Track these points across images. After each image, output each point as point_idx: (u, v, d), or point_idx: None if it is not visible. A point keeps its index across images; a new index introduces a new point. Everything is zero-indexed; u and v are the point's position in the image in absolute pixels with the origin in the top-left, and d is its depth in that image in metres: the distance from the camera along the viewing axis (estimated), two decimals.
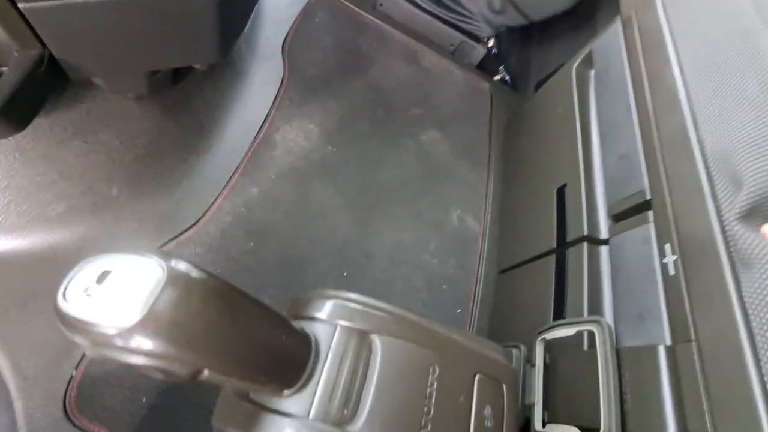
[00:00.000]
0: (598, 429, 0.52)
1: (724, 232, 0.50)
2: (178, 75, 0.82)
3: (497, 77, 1.54)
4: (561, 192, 0.93)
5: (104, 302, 0.21)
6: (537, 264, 0.92)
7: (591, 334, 0.64)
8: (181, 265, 0.23)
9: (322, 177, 1.02)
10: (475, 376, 0.37)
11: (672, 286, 0.56)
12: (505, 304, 1.00)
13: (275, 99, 1.05)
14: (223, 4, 0.60)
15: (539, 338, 0.69)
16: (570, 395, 0.63)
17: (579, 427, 0.55)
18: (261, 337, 0.27)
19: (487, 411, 0.36)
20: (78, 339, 0.22)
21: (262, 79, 1.05)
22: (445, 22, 1.45)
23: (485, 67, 1.56)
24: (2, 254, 0.66)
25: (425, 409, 0.31)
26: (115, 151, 0.73)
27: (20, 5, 0.46)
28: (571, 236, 0.84)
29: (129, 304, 0.21)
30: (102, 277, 0.21)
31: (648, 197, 0.66)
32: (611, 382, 0.54)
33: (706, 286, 0.50)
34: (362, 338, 0.31)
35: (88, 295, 0.21)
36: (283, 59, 1.12)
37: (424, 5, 1.40)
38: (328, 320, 0.32)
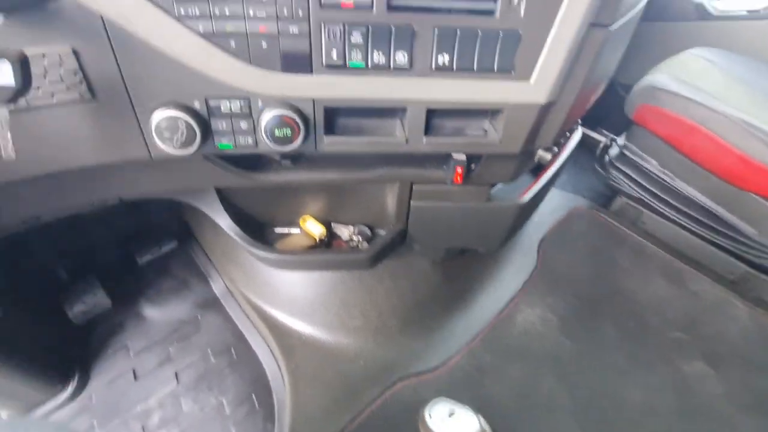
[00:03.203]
0: None
1: None
2: (460, 253, 1.10)
3: None
4: None
5: (451, 428, 0.41)
6: None
7: None
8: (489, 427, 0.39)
9: (554, 368, 1.01)
10: None
11: None
12: None
13: (524, 284, 1.18)
14: (518, 220, 0.83)
15: None
16: None
17: None
18: None
19: None
20: None
21: (516, 266, 1.23)
22: (722, 249, 1.34)
23: None
24: (313, 338, 0.97)
25: None
26: (405, 294, 1.01)
27: (412, 203, 0.78)
28: None
29: None
30: (450, 413, 0.43)
31: None
32: None
33: None
34: None
35: (442, 421, 0.42)
36: (538, 254, 1.28)
37: (695, 230, 1.36)
38: None
